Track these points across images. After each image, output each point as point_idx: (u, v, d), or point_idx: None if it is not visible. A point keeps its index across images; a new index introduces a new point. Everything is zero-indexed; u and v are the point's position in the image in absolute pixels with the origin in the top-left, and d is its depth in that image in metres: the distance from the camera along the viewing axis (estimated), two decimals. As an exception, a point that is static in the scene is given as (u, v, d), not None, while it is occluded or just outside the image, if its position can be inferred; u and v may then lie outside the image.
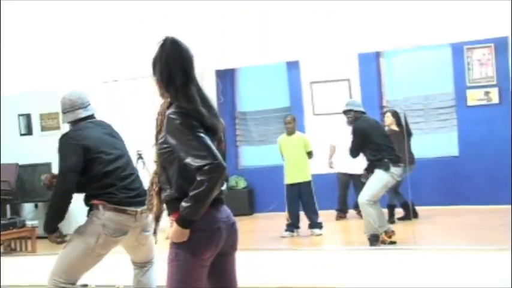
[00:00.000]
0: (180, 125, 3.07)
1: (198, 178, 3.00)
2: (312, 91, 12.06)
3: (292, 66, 12.02)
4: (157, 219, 3.36)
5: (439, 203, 10.78)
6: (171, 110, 3.13)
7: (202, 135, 3.07)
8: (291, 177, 9.20)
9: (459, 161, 11.13)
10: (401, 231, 8.43)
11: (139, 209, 4.74)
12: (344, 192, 10.77)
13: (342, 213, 10.79)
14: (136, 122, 9.03)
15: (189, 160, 3.04)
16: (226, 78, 12.72)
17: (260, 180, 11.97)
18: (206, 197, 3.02)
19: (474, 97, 11.01)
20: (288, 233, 9.26)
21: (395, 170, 7.95)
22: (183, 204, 3.05)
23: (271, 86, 12.65)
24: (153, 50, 3.28)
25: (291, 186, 9.20)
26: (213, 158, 3.00)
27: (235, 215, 3.43)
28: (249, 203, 12.15)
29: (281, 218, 9.49)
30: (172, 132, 3.10)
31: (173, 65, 3.19)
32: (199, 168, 3.00)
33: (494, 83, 10.83)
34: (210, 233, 3.17)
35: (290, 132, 9.33)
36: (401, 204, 9.88)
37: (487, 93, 10.91)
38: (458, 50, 11.01)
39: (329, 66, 11.60)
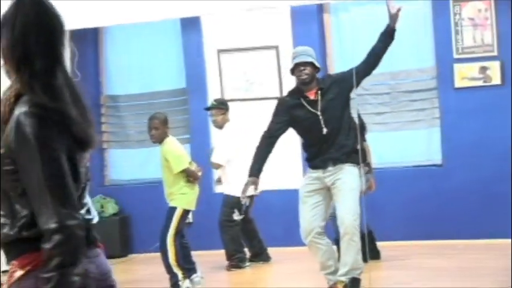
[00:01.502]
0: (34, 138, 2.99)
1: (44, 246, 2.95)
2: (221, 64, 12.17)
3: (190, 27, 12.10)
4: None
5: (412, 237, 10.99)
6: (23, 107, 3.03)
7: (63, 164, 3.03)
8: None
9: (443, 172, 11.34)
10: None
11: None
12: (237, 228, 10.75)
13: (237, 261, 10.74)
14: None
15: (36, 207, 3.00)
16: (86, 44, 12.69)
17: (139, 202, 11.94)
18: (68, 268, 2.93)
19: (465, 75, 11.22)
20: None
21: None
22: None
23: (157, 57, 12.70)
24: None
25: None
26: (65, 218, 2.96)
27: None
28: (121, 238, 12.19)
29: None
30: (19, 146, 3.02)
31: (34, 38, 3.11)
32: (45, 231, 2.97)
33: (495, 54, 11.08)
34: None
35: (157, 141, 9.42)
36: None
37: (483, 69, 11.12)
38: (442, 5, 11.22)
39: (247, 26, 11.78)
